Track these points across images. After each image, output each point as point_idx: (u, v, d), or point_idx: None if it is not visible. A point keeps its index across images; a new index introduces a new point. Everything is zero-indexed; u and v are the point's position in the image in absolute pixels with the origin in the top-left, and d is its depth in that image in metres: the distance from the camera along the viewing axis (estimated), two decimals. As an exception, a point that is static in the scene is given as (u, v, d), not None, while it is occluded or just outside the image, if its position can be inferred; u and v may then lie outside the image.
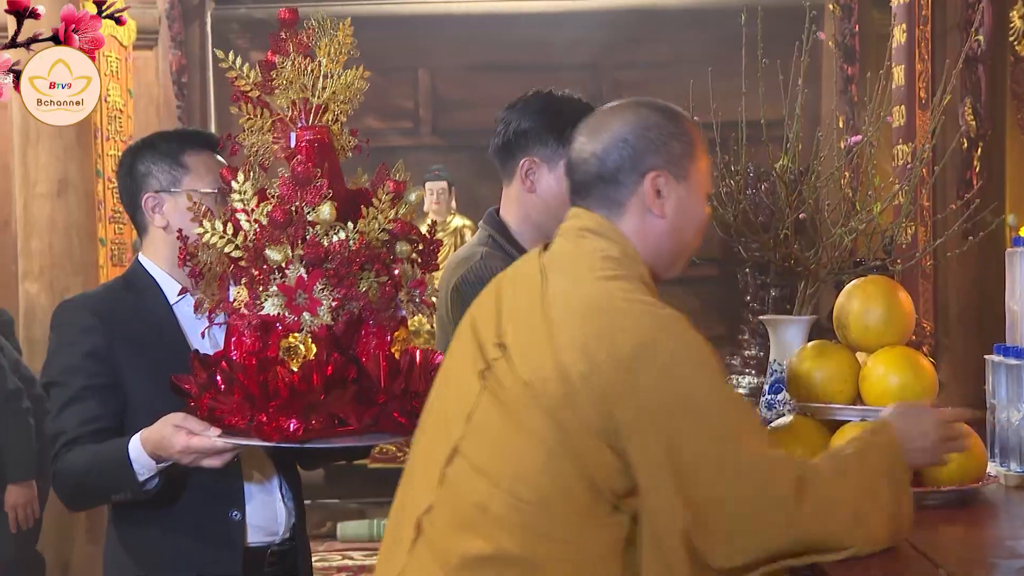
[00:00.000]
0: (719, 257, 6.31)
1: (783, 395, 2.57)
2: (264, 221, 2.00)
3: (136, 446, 2.13)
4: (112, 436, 2.20)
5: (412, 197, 2.11)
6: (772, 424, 2.41)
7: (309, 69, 2.08)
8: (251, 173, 2.05)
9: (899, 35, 5.50)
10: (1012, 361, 2.47)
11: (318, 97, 2.09)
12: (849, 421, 2.29)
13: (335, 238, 2.01)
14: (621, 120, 1.90)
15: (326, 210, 2.01)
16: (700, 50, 6.78)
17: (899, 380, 2.27)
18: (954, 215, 3.56)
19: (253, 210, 2.01)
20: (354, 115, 7.56)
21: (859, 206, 2.60)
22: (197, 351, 2.15)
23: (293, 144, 2.10)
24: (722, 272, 6.83)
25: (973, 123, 5.09)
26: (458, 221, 7.46)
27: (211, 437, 2.04)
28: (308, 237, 2.00)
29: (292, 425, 1.97)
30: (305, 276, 1.98)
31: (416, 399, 2.02)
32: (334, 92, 2.11)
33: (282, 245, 1.99)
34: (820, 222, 2.61)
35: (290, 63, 2.08)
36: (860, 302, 2.34)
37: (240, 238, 2.02)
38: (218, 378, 2.03)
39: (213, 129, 7.53)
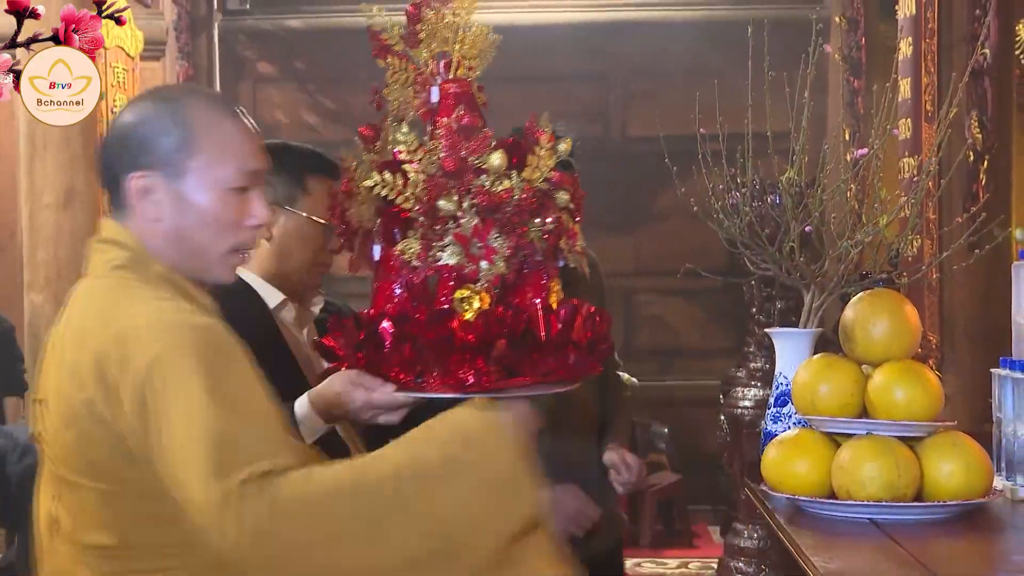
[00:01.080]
0: (724, 269, 6.30)
1: (788, 408, 2.56)
2: (431, 171, 1.99)
3: (304, 406, 2.11)
4: None
5: (562, 147, 2.10)
6: (778, 437, 2.41)
7: (448, 21, 2.09)
8: (394, 128, 2.06)
9: (905, 48, 5.50)
10: (1018, 375, 2.47)
11: (458, 49, 2.09)
12: (855, 435, 2.28)
13: (500, 187, 2.00)
14: (125, 116, 1.87)
15: (496, 158, 2.01)
16: (709, 62, 6.81)
17: (905, 394, 2.26)
18: (960, 228, 3.56)
19: (419, 160, 2.00)
20: (356, 126, 7.53)
21: (865, 219, 2.60)
22: (351, 311, 2.15)
23: (436, 98, 2.09)
24: (727, 284, 6.82)
25: (979, 136, 5.09)
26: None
27: (390, 392, 2.02)
28: (475, 186, 1.99)
29: (471, 377, 1.96)
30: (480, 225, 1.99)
31: (576, 350, 2.02)
32: (472, 45, 2.12)
33: (451, 195, 1.98)
34: (826, 234, 2.61)
35: (433, 14, 2.09)
36: (866, 315, 2.34)
37: (411, 189, 2.00)
38: (381, 334, 2.01)
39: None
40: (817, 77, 2.81)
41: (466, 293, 1.97)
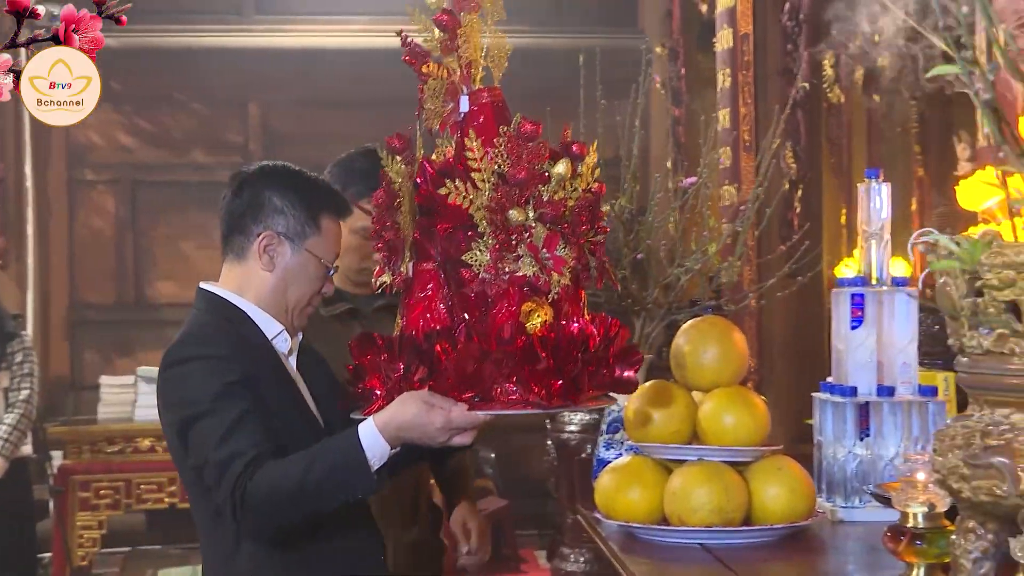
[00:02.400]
0: (551, 295, 6.39)
1: (621, 435, 2.58)
2: (494, 180, 1.94)
3: (370, 432, 2.01)
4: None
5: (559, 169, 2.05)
6: (611, 464, 2.42)
7: (477, 28, 2.06)
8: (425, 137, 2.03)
9: (724, 79, 5.67)
10: (838, 399, 2.54)
11: (484, 58, 2.06)
12: (687, 460, 2.31)
13: (559, 196, 1.96)
14: None
15: (562, 166, 1.96)
16: (534, 88, 6.88)
17: (734, 419, 2.31)
18: (779, 256, 3.67)
19: (482, 169, 1.95)
20: (181, 148, 7.38)
21: (694, 246, 2.64)
22: (382, 336, 2.06)
23: (465, 108, 2.04)
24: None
25: (794, 166, 5.27)
26: (288, 257, 7.34)
27: (468, 411, 1.95)
28: (537, 195, 1.95)
29: (537, 390, 1.92)
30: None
31: (606, 367, 1.99)
32: (496, 54, 2.09)
33: (522, 206, 1.94)
34: (656, 262, 2.64)
35: (470, 21, 2.04)
36: (695, 342, 2.37)
37: (480, 198, 1.94)
38: (437, 352, 1.95)
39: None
40: (641, 106, 2.86)
41: (532, 306, 1.94)
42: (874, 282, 2.58)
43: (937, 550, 1.88)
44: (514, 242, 1.95)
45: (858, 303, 2.52)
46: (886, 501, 2.24)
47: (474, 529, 2.91)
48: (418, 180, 1.99)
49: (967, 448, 1.64)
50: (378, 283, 2.08)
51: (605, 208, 2.05)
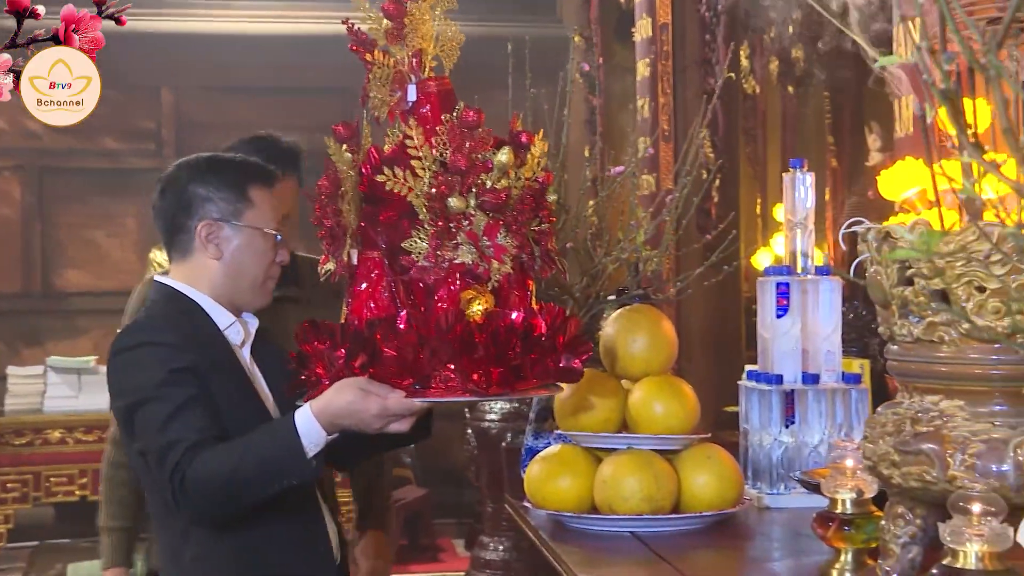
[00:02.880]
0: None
1: (550, 423, 2.58)
2: (434, 169, 1.94)
3: (306, 419, 1.99)
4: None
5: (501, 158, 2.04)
6: (541, 453, 2.42)
7: (427, 18, 2.05)
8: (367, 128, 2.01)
9: (643, 69, 5.70)
10: (764, 387, 2.57)
11: (433, 48, 2.05)
12: (616, 449, 2.32)
13: (501, 185, 1.96)
14: None
15: (504, 155, 1.96)
16: (457, 76, 6.86)
17: (663, 408, 2.32)
18: (698, 245, 3.70)
19: (423, 157, 1.94)
20: (91, 134, 7.22)
21: (621, 235, 2.65)
22: (329, 323, 2.04)
23: (412, 96, 2.03)
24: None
25: (711, 156, 5.32)
26: (202, 246, 7.23)
27: (404, 398, 1.94)
28: (480, 184, 1.94)
29: (484, 381, 1.91)
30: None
31: (551, 355, 1.99)
32: (446, 44, 2.09)
33: (463, 194, 1.94)
34: (584, 251, 2.65)
35: (417, 9, 2.04)
36: (625, 331, 2.38)
37: (421, 185, 1.93)
38: (377, 340, 1.94)
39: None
40: (559, 95, 2.86)
41: (472, 294, 1.94)
42: (799, 271, 2.61)
43: (865, 535, 1.90)
44: (453, 230, 1.94)
45: (783, 292, 2.55)
46: (812, 487, 2.27)
47: (363, 571, 2.92)
48: (363, 169, 1.97)
49: (897, 435, 1.67)
50: (323, 271, 2.06)
51: (552, 198, 2.03)
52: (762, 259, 6.04)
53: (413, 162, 1.94)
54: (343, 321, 2.04)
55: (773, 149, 7.14)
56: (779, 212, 6.08)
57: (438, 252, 1.94)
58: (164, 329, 2.14)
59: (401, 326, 1.94)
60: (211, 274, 2.21)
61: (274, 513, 2.13)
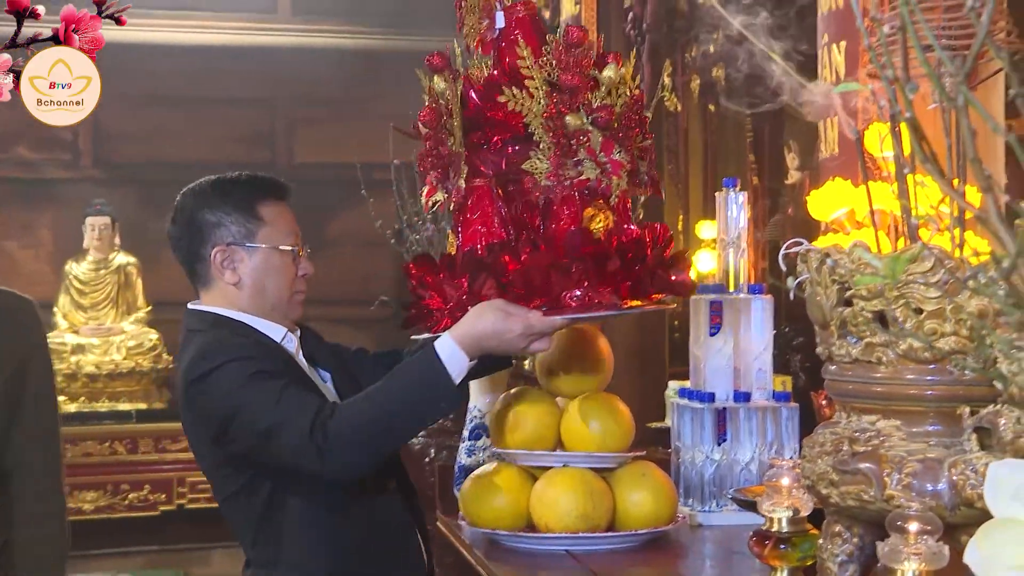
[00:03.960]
0: (395, 297, 6.33)
1: (483, 441, 2.57)
2: (545, 88, 1.97)
3: (448, 347, 2.00)
4: None
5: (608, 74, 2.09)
6: (476, 471, 2.41)
7: None
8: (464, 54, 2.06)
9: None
10: (696, 404, 2.58)
11: None
12: (552, 467, 2.31)
13: (607, 101, 2.00)
14: None
15: (611, 71, 2.00)
16: (373, 91, 6.82)
17: (599, 425, 2.32)
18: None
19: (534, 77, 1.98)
20: (5, 144, 7.07)
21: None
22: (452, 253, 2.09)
23: (501, 23, 2.06)
24: (398, 313, 6.84)
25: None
26: (122, 259, 7.10)
27: (546, 316, 1.96)
28: (587, 102, 1.98)
29: (616, 296, 1.96)
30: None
31: (663, 270, 2.07)
32: None
33: (576, 111, 1.96)
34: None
35: None
36: (561, 349, 2.38)
37: (536, 105, 1.95)
38: (503, 263, 1.98)
39: None
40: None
41: (593, 212, 1.97)
42: (732, 289, 2.63)
43: (800, 553, 1.92)
44: (574, 147, 1.98)
45: (716, 310, 2.57)
46: (745, 505, 2.29)
47: None
48: (469, 94, 2.01)
49: (836, 454, 1.69)
50: (431, 203, 2.08)
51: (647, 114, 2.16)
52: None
53: (527, 83, 1.97)
54: (454, 251, 2.07)
55: (695, 167, 7.21)
56: (701, 229, 6.14)
57: (560, 171, 1.97)
58: (234, 346, 2.09)
59: (522, 249, 1.99)
60: (236, 298, 2.17)
61: (368, 524, 2.13)
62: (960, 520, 1.59)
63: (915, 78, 0.95)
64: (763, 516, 1.97)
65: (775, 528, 1.93)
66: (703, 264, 4.83)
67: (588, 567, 2.16)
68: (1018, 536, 1.08)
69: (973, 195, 1.99)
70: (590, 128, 1.99)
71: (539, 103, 1.97)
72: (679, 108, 6.92)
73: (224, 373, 2.05)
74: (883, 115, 2.29)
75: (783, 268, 1.96)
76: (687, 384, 2.75)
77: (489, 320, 1.99)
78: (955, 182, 1.75)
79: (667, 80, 6.78)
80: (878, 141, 2.07)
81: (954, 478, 1.60)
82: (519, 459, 2.36)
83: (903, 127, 1.69)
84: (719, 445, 2.55)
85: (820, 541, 1.77)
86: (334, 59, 7.43)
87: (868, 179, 1.87)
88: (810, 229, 3.63)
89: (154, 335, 7.14)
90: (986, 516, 1.39)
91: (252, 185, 2.21)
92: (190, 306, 2.22)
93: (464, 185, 2.05)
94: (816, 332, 1.77)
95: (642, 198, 5.35)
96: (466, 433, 2.59)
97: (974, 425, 1.60)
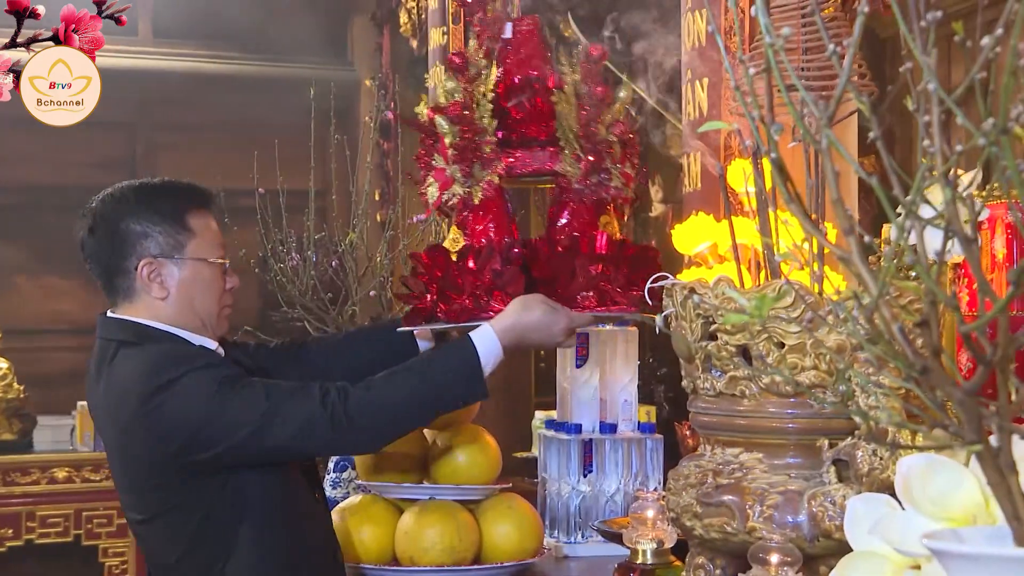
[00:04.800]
0: (255, 327, 6.24)
1: (349, 473, 2.53)
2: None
3: (487, 339, 2.02)
4: None
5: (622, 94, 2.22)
6: (341, 504, 2.37)
7: None
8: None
9: (436, 116, 5.72)
10: (563, 436, 2.59)
11: None
12: (418, 500, 2.29)
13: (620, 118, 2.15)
14: None
15: (625, 90, 2.15)
16: (237, 116, 6.72)
17: (466, 458, 2.31)
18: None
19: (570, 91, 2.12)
20: None
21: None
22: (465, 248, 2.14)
23: (508, 34, 2.18)
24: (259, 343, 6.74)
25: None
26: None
27: (580, 313, 2.05)
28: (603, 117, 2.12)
29: (630, 295, 2.09)
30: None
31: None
32: None
33: (602, 122, 2.08)
34: (385, 300, 2.63)
35: None
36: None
37: (571, 111, 2.08)
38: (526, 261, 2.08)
39: None
40: (348, 138, 2.85)
41: (607, 219, 2.10)
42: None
43: (664, 585, 1.94)
44: (604, 155, 2.10)
45: (583, 342, 2.59)
46: (610, 537, 2.30)
47: None
48: (498, 92, 2.11)
49: (700, 487, 1.71)
50: (448, 196, 2.13)
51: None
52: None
53: (566, 88, 2.10)
54: (454, 246, 2.14)
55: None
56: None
57: (590, 176, 2.07)
58: (189, 355, 2.00)
59: (543, 248, 2.09)
60: (162, 312, 2.05)
61: (303, 543, 2.08)
62: (819, 551, 1.63)
63: (776, 117, 0.97)
64: (628, 548, 1.98)
65: (640, 560, 1.95)
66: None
67: (454, 601, 2.14)
68: (876, 568, 1.10)
69: (829, 231, 2.05)
70: (614, 139, 2.13)
71: (572, 110, 2.11)
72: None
73: (190, 380, 1.95)
74: (745, 152, 2.34)
75: (648, 302, 2.00)
76: (553, 415, 2.76)
77: (537, 313, 2.03)
78: (792, 218, 1.80)
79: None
80: (740, 177, 2.12)
81: (814, 510, 1.63)
82: (385, 492, 2.33)
83: (765, 164, 1.73)
84: (585, 476, 2.56)
85: (683, 573, 1.79)
86: (197, 84, 7.31)
87: (730, 214, 1.91)
88: (673, 262, 3.69)
89: (3, 363, 6.90)
90: (844, 547, 1.42)
91: (178, 193, 2.10)
92: (110, 314, 2.09)
93: (497, 180, 2.13)
94: (681, 365, 1.80)
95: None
96: (331, 465, 2.55)
97: (833, 458, 1.64)
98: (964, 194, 0.84)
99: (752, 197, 2.37)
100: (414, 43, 6.79)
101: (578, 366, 2.60)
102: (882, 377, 1.20)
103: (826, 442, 1.63)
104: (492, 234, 2.12)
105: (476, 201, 2.13)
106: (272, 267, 2.60)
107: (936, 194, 0.87)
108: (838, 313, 0.87)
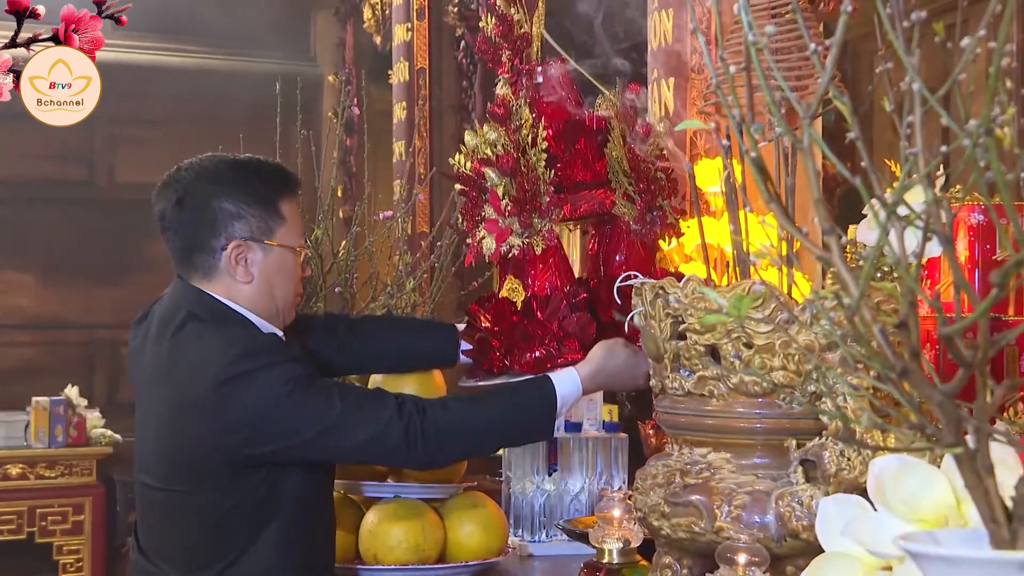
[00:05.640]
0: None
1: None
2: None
3: (571, 382, 2.05)
4: None
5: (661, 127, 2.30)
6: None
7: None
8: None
9: (400, 112, 5.70)
10: (527, 434, 2.58)
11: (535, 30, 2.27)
12: (383, 498, 2.28)
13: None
14: None
15: (662, 126, 2.26)
16: (201, 110, 6.66)
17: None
18: (449, 287, 3.71)
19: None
20: None
21: (390, 280, 2.62)
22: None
23: (541, 80, 2.21)
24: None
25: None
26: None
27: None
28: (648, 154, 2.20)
29: None
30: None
31: None
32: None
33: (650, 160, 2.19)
34: (351, 295, 2.61)
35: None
36: (393, 379, 2.35)
37: (617, 151, 2.19)
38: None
39: None
40: (312, 134, 2.83)
41: (661, 254, 2.20)
42: (563, 320, 2.64)
43: (630, 585, 1.93)
44: (655, 192, 2.18)
45: (548, 342, 2.57)
46: (575, 535, 2.29)
47: None
48: (548, 139, 2.15)
49: (668, 487, 1.70)
50: (506, 247, 2.16)
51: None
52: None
53: (618, 130, 2.19)
54: (528, 295, 2.16)
55: (523, 196, 7.27)
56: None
57: (645, 215, 2.16)
58: (270, 348, 1.97)
59: (601, 294, 2.14)
60: (239, 296, 2.02)
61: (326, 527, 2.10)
62: (786, 551, 1.63)
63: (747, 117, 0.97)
64: (594, 547, 1.97)
65: (606, 559, 1.94)
66: (531, 293, 4.87)
67: (417, 600, 2.13)
68: (848, 569, 1.10)
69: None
70: (661, 175, 2.19)
71: (621, 151, 2.18)
72: (509, 137, 7.00)
73: (268, 375, 1.92)
74: (714, 152, 2.35)
75: (617, 300, 1.99)
76: (517, 413, 2.74)
77: (622, 357, 2.07)
78: (770, 218, 1.81)
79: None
80: (706, 177, 2.12)
81: (781, 510, 1.63)
82: (349, 490, 2.32)
83: (735, 164, 1.73)
84: (550, 475, 2.55)
85: (650, 573, 1.78)
86: (157, 77, 7.25)
87: (700, 213, 1.90)
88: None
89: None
90: (811, 547, 1.43)
91: (275, 176, 2.08)
92: (193, 284, 2.04)
93: (556, 229, 2.20)
94: (650, 365, 1.79)
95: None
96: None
97: (800, 458, 1.64)
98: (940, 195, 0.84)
99: (719, 196, 2.38)
100: (378, 39, 6.76)
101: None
102: (853, 377, 1.20)
103: (794, 442, 1.63)
104: (556, 281, 2.16)
105: (538, 252, 2.16)
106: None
107: (913, 195, 0.87)
108: (813, 313, 0.87)
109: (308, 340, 2.20)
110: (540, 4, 2.30)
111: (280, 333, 2.07)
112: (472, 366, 2.24)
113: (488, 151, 2.14)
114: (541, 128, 2.15)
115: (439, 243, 2.72)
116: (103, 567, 5.84)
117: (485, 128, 2.16)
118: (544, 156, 2.14)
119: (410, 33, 5.71)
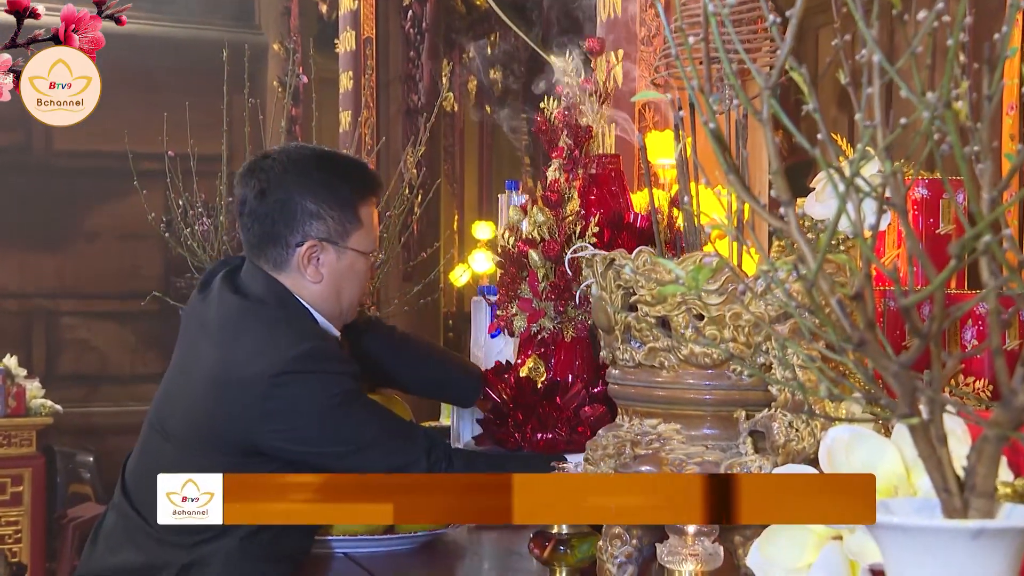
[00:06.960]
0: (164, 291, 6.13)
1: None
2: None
3: None
4: None
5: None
6: (251, 474, 2.34)
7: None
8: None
9: (346, 82, 5.67)
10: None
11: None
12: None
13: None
14: None
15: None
16: (144, 79, 6.58)
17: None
18: (397, 259, 3.70)
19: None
20: None
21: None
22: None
23: (594, 170, 2.28)
24: (164, 309, 6.63)
25: (415, 172, 5.34)
26: None
27: None
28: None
29: None
30: None
31: None
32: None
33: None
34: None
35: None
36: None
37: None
38: None
39: None
40: (257, 103, 2.80)
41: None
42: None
43: (579, 555, 1.94)
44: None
45: (495, 316, 2.58)
46: (523, 506, 2.30)
47: None
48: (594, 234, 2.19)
49: (618, 457, 1.71)
50: (535, 329, 2.20)
51: None
52: (460, 276, 6.12)
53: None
54: (538, 376, 2.21)
55: (470, 167, 7.27)
56: (477, 229, 6.16)
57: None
58: (332, 356, 1.99)
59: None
60: (310, 295, 2.03)
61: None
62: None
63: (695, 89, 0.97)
64: (543, 518, 1.98)
65: (555, 529, 1.95)
66: (478, 265, 4.85)
67: (367, 569, 2.13)
68: (799, 540, 1.11)
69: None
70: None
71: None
72: (456, 108, 6.96)
73: (322, 381, 1.95)
74: (663, 125, 2.35)
75: (569, 272, 2.00)
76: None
77: None
78: (721, 189, 1.82)
79: (445, 80, 6.81)
80: (659, 148, 2.12)
81: (729, 480, 1.65)
82: (297, 461, 2.31)
83: (683, 136, 1.73)
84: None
85: (600, 543, 1.79)
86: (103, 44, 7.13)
87: (650, 185, 1.91)
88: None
89: None
90: (762, 518, 1.44)
91: (358, 179, 2.09)
92: (264, 268, 2.05)
93: (589, 321, 2.21)
94: (600, 336, 1.80)
95: (419, 198, 5.37)
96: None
97: (749, 429, 1.65)
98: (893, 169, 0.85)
99: (668, 169, 2.38)
100: (323, 7, 6.70)
101: (493, 336, 2.60)
102: (807, 348, 1.21)
103: (743, 414, 1.64)
104: (580, 370, 2.20)
105: (568, 339, 2.19)
106: (181, 231, 2.55)
107: (868, 167, 0.88)
108: (767, 284, 0.87)
109: (365, 338, 2.26)
110: (610, 96, 2.34)
111: (338, 333, 2.10)
112: (480, 434, 2.30)
113: (536, 233, 2.18)
114: (593, 224, 2.19)
115: (387, 213, 2.71)
116: (42, 539, 5.79)
117: (534, 209, 2.19)
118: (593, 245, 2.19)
119: (357, 2, 5.67)
